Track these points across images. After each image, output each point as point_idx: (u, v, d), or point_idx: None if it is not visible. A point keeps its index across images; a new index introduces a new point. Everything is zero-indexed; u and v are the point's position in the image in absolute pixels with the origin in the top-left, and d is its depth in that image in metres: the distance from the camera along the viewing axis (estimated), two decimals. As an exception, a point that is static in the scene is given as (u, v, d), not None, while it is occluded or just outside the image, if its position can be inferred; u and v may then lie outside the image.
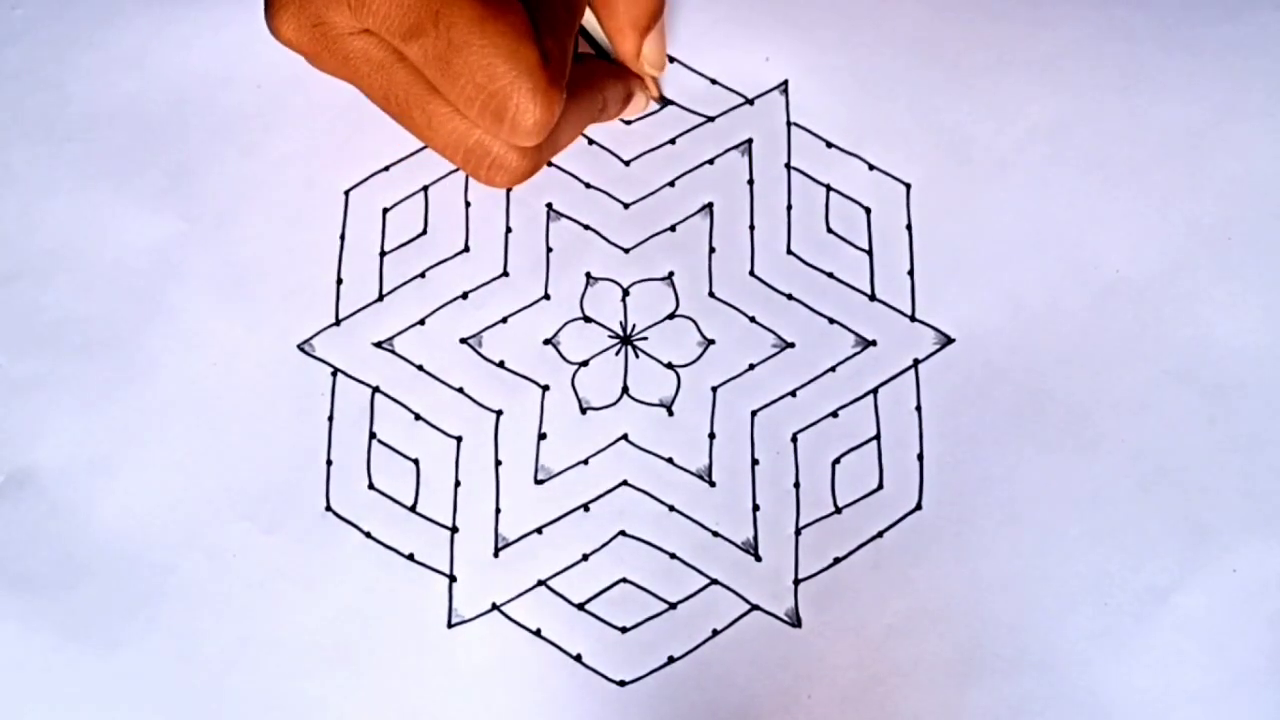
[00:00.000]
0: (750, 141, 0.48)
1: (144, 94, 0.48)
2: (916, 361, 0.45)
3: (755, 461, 0.44)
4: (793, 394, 0.45)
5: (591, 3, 0.43)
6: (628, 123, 0.47)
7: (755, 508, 0.44)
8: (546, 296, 0.46)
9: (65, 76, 0.48)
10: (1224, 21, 0.48)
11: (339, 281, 0.46)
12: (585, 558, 0.43)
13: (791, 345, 0.45)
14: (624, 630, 0.43)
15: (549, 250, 0.46)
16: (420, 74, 0.37)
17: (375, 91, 0.38)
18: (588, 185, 0.47)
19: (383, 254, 0.46)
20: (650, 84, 0.47)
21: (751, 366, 0.45)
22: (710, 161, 0.48)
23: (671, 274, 0.46)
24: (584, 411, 0.45)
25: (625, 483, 0.44)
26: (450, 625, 0.43)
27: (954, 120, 0.47)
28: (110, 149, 0.47)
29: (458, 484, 0.44)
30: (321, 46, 0.37)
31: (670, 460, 0.44)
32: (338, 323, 0.46)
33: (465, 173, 0.41)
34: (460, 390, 0.45)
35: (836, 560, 0.43)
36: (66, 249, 0.46)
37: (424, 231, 0.47)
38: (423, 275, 0.46)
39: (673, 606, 0.43)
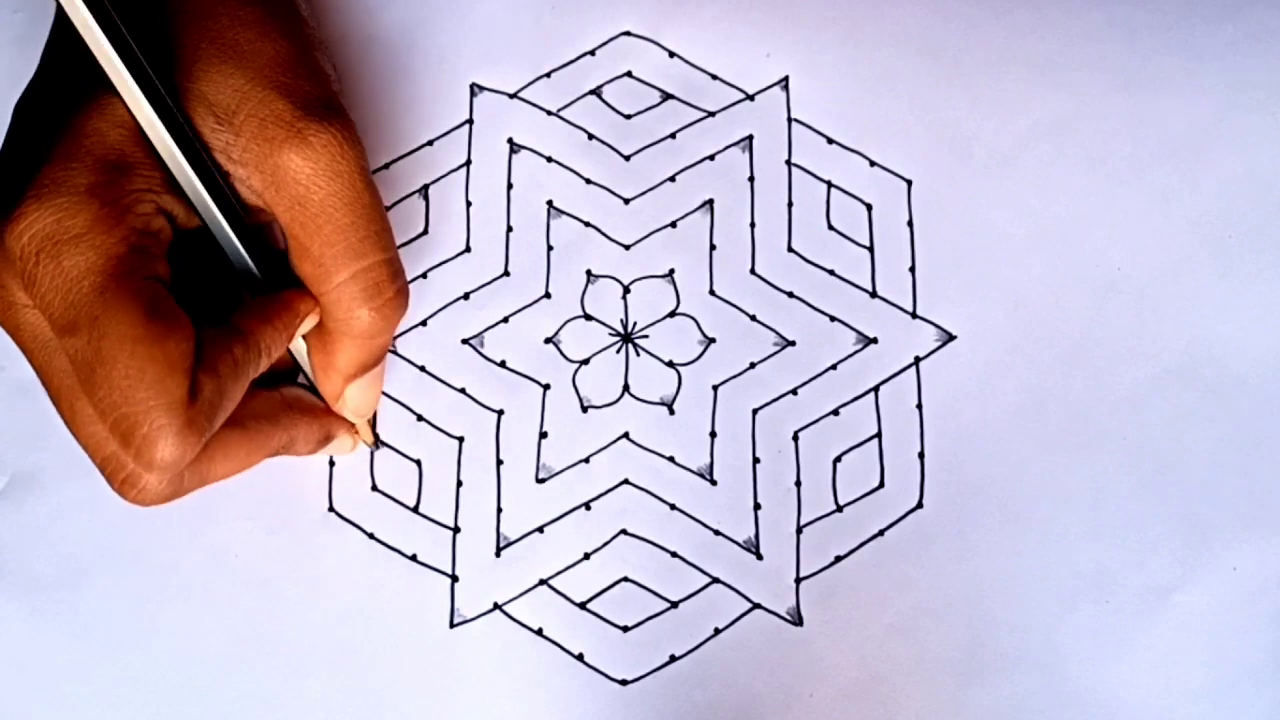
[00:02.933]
0: (751, 138, 0.48)
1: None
2: (918, 359, 0.45)
3: (756, 460, 0.44)
4: (794, 392, 0.45)
5: (308, 335, 0.40)
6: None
7: (756, 506, 0.44)
8: (547, 295, 0.46)
9: (65, 77, 0.48)
10: (1224, 20, 0.47)
11: (340, 280, 0.46)
12: (587, 557, 0.43)
13: (792, 343, 0.45)
14: (626, 629, 0.43)
15: (549, 248, 0.46)
16: (71, 363, 0.35)
17: (35, 366, 0.36)
18: (588, 181, 0.47)
19: (384, 252, 0.46)
20: (364, 431, 0.43)
21: (752, 365, 0.45)
22: (711, 157, 0.48)
23: (672, 271, 0.46)
24: (585, 410, 0.45)
25: (626, 481, 0.44)
26: (452, 625, 0.43)
27: (955, 117, 0.47)
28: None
29: (459, 484, 0.44)
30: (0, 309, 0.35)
31: (671, 459, 0.44)
32: (339, 322, 0.46)
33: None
34: (462, 391, 0.45)
35: (838, 559, 0.43)
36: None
37: (425, 232, 0.47)
38: (424, 276, 0.46)
39: (674, 605, 0.43)
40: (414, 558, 0.43)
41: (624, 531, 0.44)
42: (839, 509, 0.44)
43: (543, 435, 0.45)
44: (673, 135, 0.48)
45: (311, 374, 0.42)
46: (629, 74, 0.48)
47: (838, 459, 0.44)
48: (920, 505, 0.44)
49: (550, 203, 0.47)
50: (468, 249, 0.46)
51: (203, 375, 0.34)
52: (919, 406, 0.45)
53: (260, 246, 0.38)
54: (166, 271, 0.35)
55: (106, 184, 0.34)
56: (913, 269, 0.46)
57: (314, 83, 0.37)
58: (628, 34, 0.49)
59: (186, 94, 0.36)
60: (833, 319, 0.46)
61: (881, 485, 0.44)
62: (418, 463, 0.44)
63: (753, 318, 0.46)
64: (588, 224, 0.47)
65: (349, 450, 0.44)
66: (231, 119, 0.36)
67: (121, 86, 0.34)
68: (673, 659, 0.42)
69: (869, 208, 0.47)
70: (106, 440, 0.36)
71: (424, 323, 0.46)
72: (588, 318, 0.46)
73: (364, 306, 0.38)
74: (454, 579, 0.43)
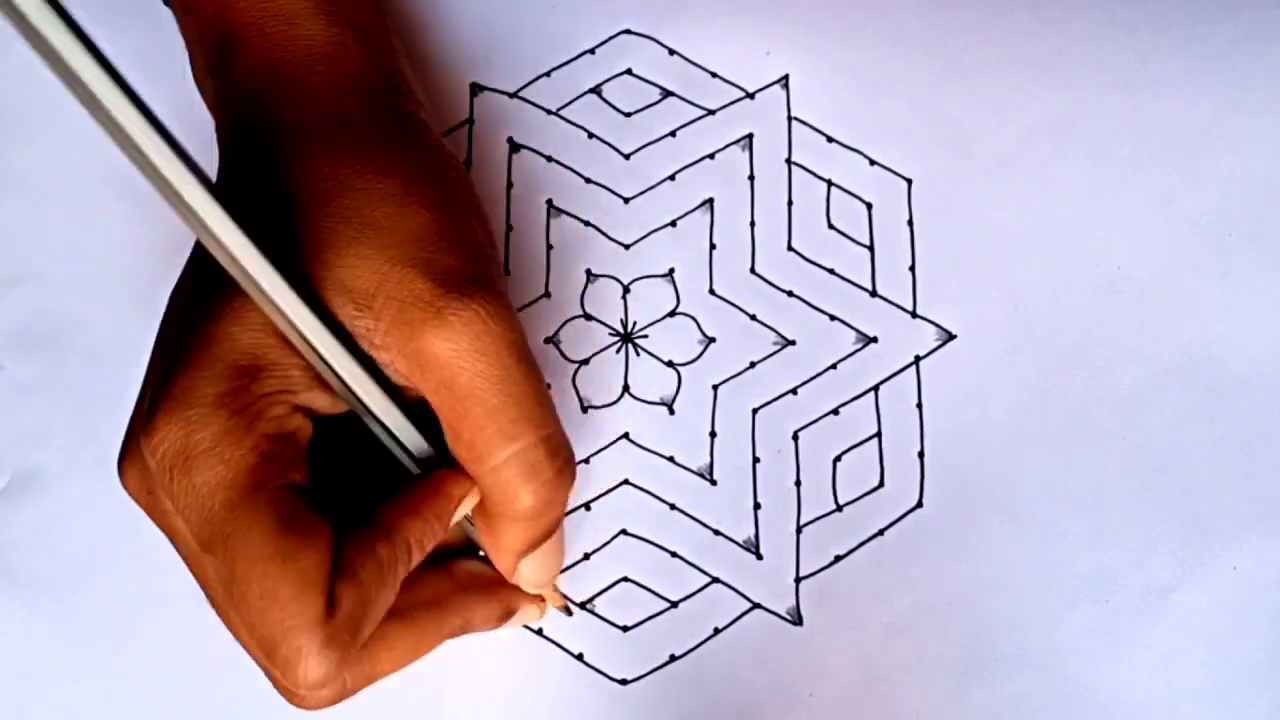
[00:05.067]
0: (751, 136, 0.48)
1: (144, 93, 0.48)
2: (918, 358, 0.45)
3: (756, 459, 0.44)
4: (794, 391, 0.45)
5: (473, 513, 0.37)
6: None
7: (756, 506, 0.44)
8: (547, 294, 0.46)
9: (65, 76, 0.48)
10: (1225, 19, 0.47)
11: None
12: (586, 556, 0.43)
13: (792, 342, 0.45)
14: (625, 629, 0.43)
15: (549, 248, 0.46)
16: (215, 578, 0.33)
17: (189, 567, 0.35)
18: (588, 180, 0.47)
19: (384, 251, 0.46)
20: (552, 597, 0.41)
21: (752, 364, 0.45)
22: (711, 156, 0.48)
23: (672, 270, 0.46)
24: (585, 410, 0.45)
25: (626, 481, 0.44)
26: (452, 624, 0.43)
27: (955, 116, 0.47)
28: (111, 149, 0.47)
29: (459, 483, 0.44)
30: (154, 515, 0.34)
31: (671, 459, 0.44)
32: (339, 321, 0.46)
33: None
34: (461, 390, 0.45)
35: (837, 558, 0.43)
36: (70, 252, 0.46)
37: (424, 230, 0.46)
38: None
39: (674, 605, 0.43)
40: (414, 557, 0.43)
41: (624, 531, 0.44)
42: (839, 508, 0.44)
43: (543, 435, 0.44)
44: (673, 134, 0.48)
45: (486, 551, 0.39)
46: (629, 72, 0.48)
47: (838, 458, 0.44)
48: (920, 505, 0.44)
49: (550, 202, 0.47)
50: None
51: (341, 585, 0.32)
52: (919, 406, 0.45)
53: (416, 423, 0.36)
54: (304, 474, 0.33)
55: (236, 391, 0.32)
56: (913, 268, 0.46)
57: (458, 255, 0.34)
58: (628, 32, 0.49)
59: (322, 281, 0.33)
60: (832, 318, 0.46)
61: (881, 485, 0.44)
62: (418, 462, 0.44)
63: (753, 317, 0.46)
64: (587, 223, 0.47)
65: (538, 619, 0.42)
66: (370, 303, 0.33)
67: (249, 285, 0.31)
68: (672, 659, 0.42)
69: (869, 207, 0.47)
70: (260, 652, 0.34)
71: (424, 322, 0.45)
72: (587, 317, 0.46)
73: (523, 488, 0.35)
74: (454, 579, 0.43)
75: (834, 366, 0.45)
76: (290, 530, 0.32)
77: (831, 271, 0.46)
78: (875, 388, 0.45)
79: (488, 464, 0.34)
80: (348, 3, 0.40)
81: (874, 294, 0.46)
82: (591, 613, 0.43)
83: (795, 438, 0.44)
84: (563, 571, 0.43)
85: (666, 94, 0.48)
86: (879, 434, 0.44)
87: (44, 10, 0.26)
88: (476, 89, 0.48)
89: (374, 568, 0.33)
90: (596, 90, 0.48)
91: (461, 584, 0.39)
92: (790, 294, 0.46)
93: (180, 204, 0.29)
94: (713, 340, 0.45)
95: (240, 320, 0.33)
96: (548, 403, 0.35)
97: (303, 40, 0.38)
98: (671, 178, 0.47)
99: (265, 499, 0.32)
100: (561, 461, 0.35)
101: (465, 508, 0.36)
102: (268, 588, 0.31)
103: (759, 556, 0.43)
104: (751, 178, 0.47)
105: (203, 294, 0.34)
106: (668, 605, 0.43)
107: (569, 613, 0.43)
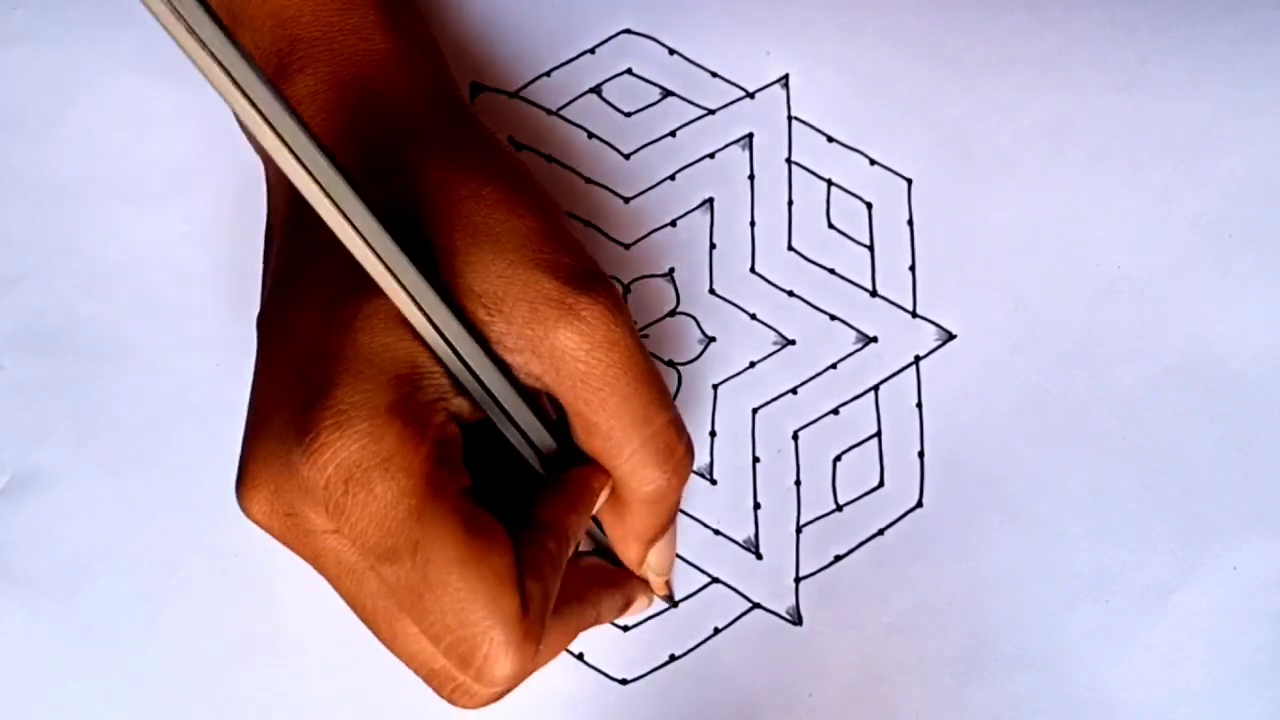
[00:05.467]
0: (751, 136, 0.48)
1: (145, 93, 0.48)
2: (918, 358, 0.45)
3: (756, 459, 0.44)
4: (793, 391, 0.45)
5: (600, 510, 0.38)
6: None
7: (756, 505, 0.44)
8: (547, 294, 0.46)
9: (66, 76, 0.48)
10: (1225, 19, 0.47)
11: (340, 279, 0.46)
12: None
13: (792, 342, 0.45)
14: (626, 628, 0.43)
15: (549, 248, 0.46)
16: (390, 588, 0.34)
17: (342, 593, 0.35)
18: (587, 180, 0.47)
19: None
20: (657, 586, 0.42)
21: (752, 364, 0.45)
22: (711, 156, 0.48)
23: (672, 270, 0.46)
24: (585, 410, 0.45)
25: (626, 481, 0.44)
26: (452, 624, 0.43)
27: (955, 116, 0.47)
28: (112, 149, 0.47)
29: (459, 483, 0.44)
30: (292, 537, 0.34)
31: (671, 458, 0.44)
32: (339, 321, 0.46)
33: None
34: (461, 390, 0.45)
35: (837, 558, 0.43)
36: (69, 251, 0.46)
37: (424, 230, 0.46)
38: (423, 275, 0.46)
39: (674, 604, 0.43)
40: (414, 557, 0.43)
41: (624, 531, 0.44)
42: (839, 508, 0.44)
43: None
44: (673, 133, 0.48)
45: (611, 543, 0.40)
46: (629, 72, 0.48)
47: (837, 458, 0.44)
48: (920, 504, 0.44)
49: (550, 201, 0.47)
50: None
51: (529, 582, 0.33)
52: (919, 405, 0.45)
53: (547, 427, 0.37)
54: (469, 479, 0.34)
55: (404, 400, 0.32)
56: (913, 268, 0.46)
57: (573, 254, 0.35)
58: (628, 32, 0.49)
59: (452, 290, 0.34)
60: (832, 318, 0.46)
61: (881, 484, 0.44)
62: (418, 462, 0.44)
63: (753, 317, 0.46)
64: (588, 223, 0.47)
65: (647, 608, 0.42)
66: (500, 306, 0.34)
67: (398, 294, 0.32)
68: (672, 658, 0.42)
69: (869, 206, 0.47)
70: (433, 657, 0.35)
71: (424, 322, 0.45)
72: (588, 317, 0.46)
73: (657, 471, 0.36)
74: (454, 578, 0.43)
75: (834, 366, 0.45)
76: (477, 533, 0.32)
77: (831, 271, 0.46)
78: (875, 388, 0.45)
79: (626, 450, 0.35)
80: (407, 15, 0.41)
81: (874, 294, 0.46)
82: (591, 612, 0.43)
83: (795, 438, 0.44)
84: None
85: (666, 94, 0.48)
86: (879, 434, 0.44)
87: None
88: (477, 89, 0.48)
89: (549, 563, 0.34)
90: (596, 90, 0.48)
91: (593, 578, 0.40)
92: (790, 294, 0.46)
93: (331, 209, 0.30)
94: (713, 340, 0.45)
95: (394, 330, 0.33)
96: (667, 388, 0.36)
97: (373, 55, 0.39)
98: (671, 178, 0.47)
99: (448, 505, 0.32)
100: (686, 442, 0.36)
101: (603, 499, 0.37)
102: (465, 590, 0.32)
103: (759, 556, 0.43)
104: (751, 177, 0.47)
105: (331, 306, 0.34)
106: (667, 605, 0.43)
107: (674, 604, 0.43)
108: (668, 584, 0.42)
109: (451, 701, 0.36)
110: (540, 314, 0.34)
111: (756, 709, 0.42)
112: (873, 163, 0.47)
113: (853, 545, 0.43)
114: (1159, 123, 0.47)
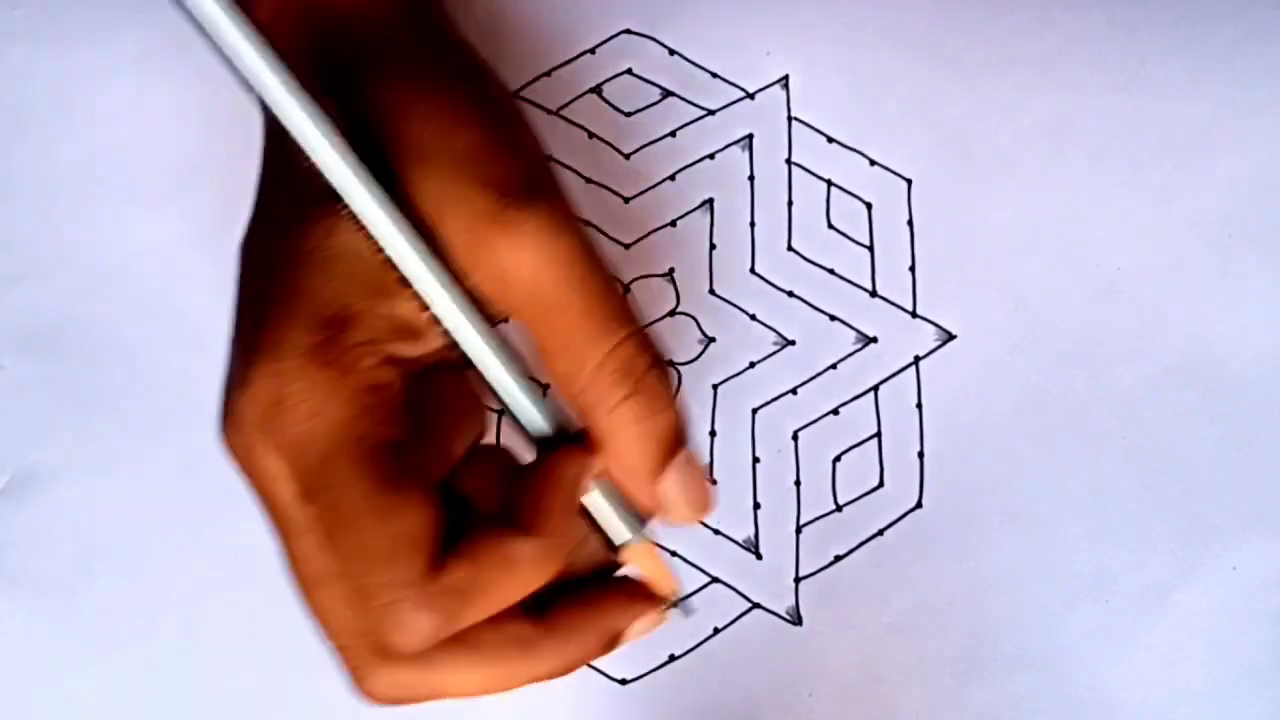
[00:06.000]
0: (751, 136, 0.48)
1: (144, 92, 0.48)
2: (917, 358, 0.45)
3: (756, 459, 0.44)
4: (793, 391, 0.45)
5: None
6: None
7: (756, 505, 0.44)
8: (547, 294, 0.46)
9: (66, 76, 0.48)
10: (1224, 19, 0.47)
11: (340, 279, 0.46)
12: (586, 556, 0.43)
13: (792, 343, 0.45)
14: (625, 628, 0.43)
15: (549, 247, 0.46)
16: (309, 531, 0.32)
17: (276, 526, 0.33)
18: (588, 180, 0.47)
19: (383, 251, 0.46)
20: (688, 517, 0.35)
21: (752, 364, 0.45)
22: (710, 156, 0.48)
23: (672, 270, 0.46)
24: (585, 410, 0.45)
25: (626, 481, 0.44)
26: (452, 624, 0.43)
27: (955, 116, 0.47)
28: (111, 148, 0.47)
29: (459, 483, 0.44)
30: (250, 471, 0.33)
31: (671, 458, 0.44)
32: (339, 321, 0.46)
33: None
34: (461, 390, 0.45)
35: (837, 558, 0.43)
36: (69, 250, 0.46)
37: (424, 230, 0.46)
38: (423, 275, 0.46)
39: (674, 604, 0.43)
40: (414, 557, 0.43)
41: (624, 531, 0.44)
42: (838, 508, 0.44)
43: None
44: (673, 134, 0.48)
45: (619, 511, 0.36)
46: (629, 72, 0.48)
47: (837, 458, 0.44)
48: (920, 505, 0.44)
49: (550, 201, 0.47)
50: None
51: (454, 558, 0.31)
52: (919, 406, 0.45)
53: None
54: (402, 430, 0.32)
55: (326, 343, 0.31)
56: (912, 268, 0.46)
57: (510, 165, 0.33)
58: (628, 32, 0.49)
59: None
60: (832, 318, 0.46)
61: (881, 485, 0.44)
62: (417, 462, 0.44)
63: (752, 317, 0.46)
64: (588, 223, 0.47)
65: (655, 626, 0.38)
66: (439, 226, 0.32)
67: (364, 213, 0.31)
68: (672, 658, 0.42)
69: (869, 207, 0.47)
70: (344, 622, 0.33)
71: (424, 322, 0.45)
72: (587, 317, 0.46)
73: (619, 389, 0.33)
74: (454, 578, 0.43)
75: (834, 366, 0.45)
76: (388, 488, 0.31)
77: (831, 271, 0.46)
78: (875, 388, 0.45)
79: (586, 369, 0.33)
80: None
81: (874, 294, 0.46)
82: (591, 612, 0.43)
83: (795, 438, 0.44)
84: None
85: (666, 94, 0.48)
86: (879, 434, 0.44)
87: None
88: (476, 89, 0.48)
89: (500, 558, 0.32)
90: (596, 90, 0.48)
91: (610, 595, 0.37)
92: (790, 294, 0.46)
93: (291, 121, 0.30)
94: (713, 340, 0.45)
95: (325, 270, 0.32)
96: (629, 304, 0.34)
97: None
98: (671, 178, 0.47)
99: (363, 454, 0.31)
100: (654, 356, 0.34)
101: (586, 483, 0.34)
102: (367, 539, 0.31)
103: (759, 556, 0.43)
104: (751, 178, 0.47)
105: (280, 244, 0.33)
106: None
107: (685, 612, 0.39)
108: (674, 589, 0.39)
109: (355, 685, 0.34)
110: (478, 233, 0.32)
111: (756, 709, 0.42)
112: (873, 163, 0.47)
113: (853, 545, 0.43)
114: (1159, 123, 0.47)
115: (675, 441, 0.34)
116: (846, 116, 0.48)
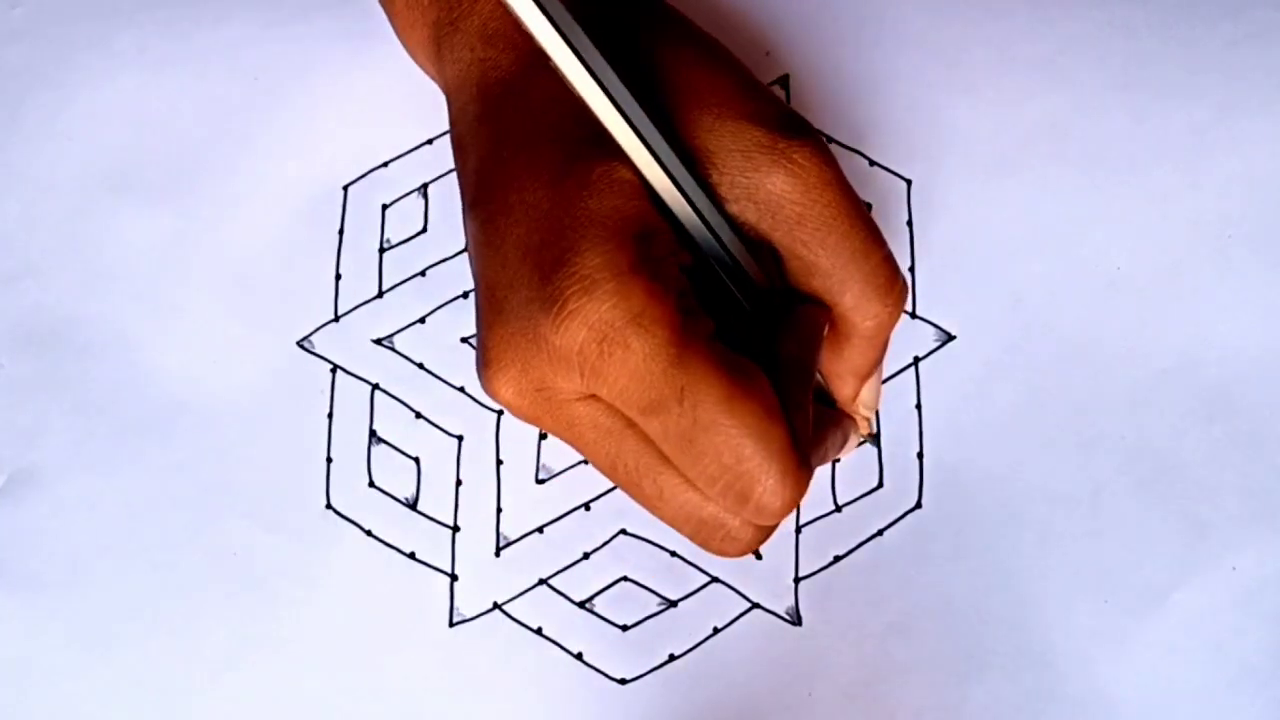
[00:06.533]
0: (751, 137, 0.48)
1: (143, 91, 0.48)
2: (917, 359, 0.45)
3: (756, 459, 0.44)
4: (793, 391, 0.45)
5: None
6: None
7: (756, 505, 0.44)
8: (547, 294, 0.46)
9: (65, 74, 0.48)
10: (1224, 19, 0.47)
11: (338, 277, 0.46)
12: (586, 556, 0.43)
13: (792, 342, 0.45)
14: (625, 628, 0.43)
15: (549, 247, 0.46)
16: (651, 443, 0.35)
17: (600, 458, 0.36)
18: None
19: (382, 250, 0.46)
20: (862, 424, 0.43)
21: (752, 364, 0.45)
22: (711, 156, 0.47)
23: (672, 270, 0.46)
24: (584, 409, 0.45)
25: (626, 481, 0.44)
26: (452, 624, 0.43)
27: (955, 117, 0.47)
28: (110, 146, 0.47)
29: (459, 483, 0.44)
30: (543, 411, 0.35)
31: (671, 458, 0.44)
32: (337, 319, 0.46)
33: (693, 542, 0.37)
34: (461, 389, 0.45)
35: (837, 558, 0.43)
36: (67, 248, 0.46)
37: (424, 229, 0.46)
38: (423, 274, 0.46)
39: (673, 604, 0.43)
40: (413, 556, 0.43)
41: (623, 531, 0.44)
42: (838, 509, 0.44)
43: (542, 436, 0.44)
44: (672, 134, 0.48)
45: (826, 386, 0.41)
46: (628, 72, 0.48)
47: (836, 458, 0.44)
48: (919, 505, 0.44)
49: (549, 201, 0.47)
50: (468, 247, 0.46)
51: (793, 413, 0.34)
52: (918, 406, 0.45)
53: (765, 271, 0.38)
54: (714, 325, 0.34)
55: (644, 258, 0.33)
56: (912, 269, 0.46)
57: (774, 102, 0.36)
58: (627, 32, 0.49)
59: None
60: (832, 318, 0.46)
61: (880, 485, 0.44)
62: (416, 460, 0.44)
63: (752, 317, 0.46)
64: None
65: (853, 448, 0.43)
66: (713, 159, 0.35)
67: (638, 151, 0.34)
68: (672, 658, 0.42)
69: (868, 207, 0.47)
70: (701, 505, 0.35)
71: (423, 320, 0.45)
72: (587, 316, 0.46)
73: (879, 304, 0.37)
74: (453, 578, 0.43)
75: (834, 366, 0.45)
76: (738, 373, 0.33)
77: (831, 271, 0.46)
78: (875, 388, 0.45)
79: (850, 286, 0.37)
80: None
81: (874, 294, 0.46)
82: (591, 612, 0.43)
83: (795, 437, 0.44)
84: (559, 573, 0.43)
85: (876, 438, 0.47)
86: (878, 434, 0.44)
87: None
88: (476, 88, 0.48)
89: (805, 395, 0.36)
90: (596, 90, 0.48)
91: (821, 421, 0.40)
92: (790, 294, 0.46)
93: (579, 71, 0.32)
94: (712, 340, 0.45)
95: (621, 193, 0.34)
96: (877, 225, 0.37)
97: None
98: (671, 178, 0.47)
99: (704, 349, 0.33)
100: (901, 276, 0.38)
101: (823, 335, 0.38)
102: (738, 427, 0.33)
103: (758, 556, 0.43)
104: (751, 178, 0.47)
105: (559, 189, 0.35)
106: (667, 605, 0.43)
107: (876, 441, 0.44)
108: (870, 422, 0.44)
109: (719, 551, 0.36)
110: (754, 162, 0.35)
111: (756, 709, 0.42)
112: (872, 163, 0.47)
113: (852, 546, 0.43)
114: (1158, 123, 0.47)
115: (884, 353, 0.40)
116: (846, 117, 0.48)
